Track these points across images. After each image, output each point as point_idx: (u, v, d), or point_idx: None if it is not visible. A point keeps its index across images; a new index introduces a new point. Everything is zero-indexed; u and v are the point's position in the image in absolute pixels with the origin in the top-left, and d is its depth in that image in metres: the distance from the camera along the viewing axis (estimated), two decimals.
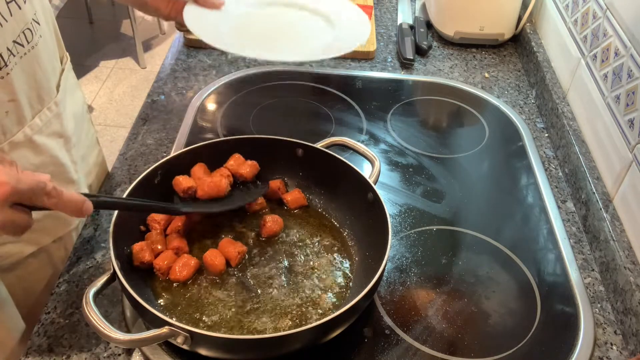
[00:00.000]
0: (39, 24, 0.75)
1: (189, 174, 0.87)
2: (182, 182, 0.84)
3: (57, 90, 0.82)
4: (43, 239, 0.83)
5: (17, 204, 0.58)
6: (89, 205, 0.64)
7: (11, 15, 0.69)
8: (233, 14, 0.96)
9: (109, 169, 1.03)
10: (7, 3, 0.68)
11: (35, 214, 0.79)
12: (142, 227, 0.82)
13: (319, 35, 0.95)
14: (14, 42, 0.70)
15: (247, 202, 0.87)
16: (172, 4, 0.93)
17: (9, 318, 0.80)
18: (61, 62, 0.86)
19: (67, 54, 0.89)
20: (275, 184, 0.90)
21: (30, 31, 0.73)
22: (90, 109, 2.89)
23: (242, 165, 0.88)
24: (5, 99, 0.71)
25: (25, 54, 0.72)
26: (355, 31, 0.95)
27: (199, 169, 0.86)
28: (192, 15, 0.91)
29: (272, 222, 0.85)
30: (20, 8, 0.70)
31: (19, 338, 0.81)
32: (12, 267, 0.80)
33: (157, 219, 0.82)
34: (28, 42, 0.72)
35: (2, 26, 0.67)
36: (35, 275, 0.85)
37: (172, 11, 0.93)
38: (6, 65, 0.69)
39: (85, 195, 0.65)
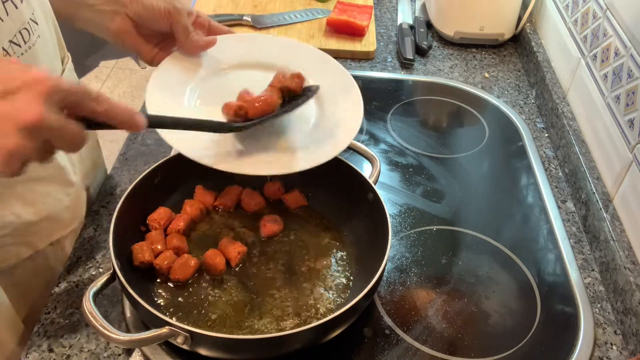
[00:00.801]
0: (37, 23, 0.74)
1: (189, 174, 0.87)
2: (230, 103, 0.74)
3: None
4: (40, 242, 0.83)
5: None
6: (140, 117, 0.60)
7: (7, 14, 0.68)
8: (209, 84, 0.83)
9: (109, 169, 1.03)
10: (3, 2, 0.67)
11: (30, 216, 0.79)
12: (142, 227, 0.82)
13: (301, 130, 0.81)
14: (10, 42, 0.69)
15: (300, 105, 0.77)
16: (155, 52, 0.85)
17: (7, 320, 0.80)
18: (62, 63, 0.85)
19: (69, 54, 0.89)
20: (274, 185, 0.90)
21: (28, 31, 0.72)
22: None
23: (288, 79, 0.77)
24: None
25: (22, 54, 0.71)
26: (346, 126, 0.81)
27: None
28: (156, 88, 0.80)
29: (272, 222, 0.85)
30: (16, 7, 0.70)
31: (18, 339, 0.81)
32: (9, 270, 0.80)
33: (157, 219, 0.82)
34: (25, 42, 0.72)
35: None
36: (32, 278, 0.85)
37: (156, 59, 0.85)
38: None
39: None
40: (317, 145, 0.79)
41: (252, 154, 0.77)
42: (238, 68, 0.87)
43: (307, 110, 0.82)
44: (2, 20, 0.67)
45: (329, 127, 0.81)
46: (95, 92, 0.56)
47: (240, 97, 0.76)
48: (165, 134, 0.74)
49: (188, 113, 0.76)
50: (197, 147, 0.75)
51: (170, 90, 0.81)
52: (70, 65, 0.88)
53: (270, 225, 0.84)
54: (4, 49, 0.68)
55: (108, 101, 0.57)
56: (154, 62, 0.86)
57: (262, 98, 0.75)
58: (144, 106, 1.14)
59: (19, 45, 0.71)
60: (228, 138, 0.77)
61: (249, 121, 0.74)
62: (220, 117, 0.75)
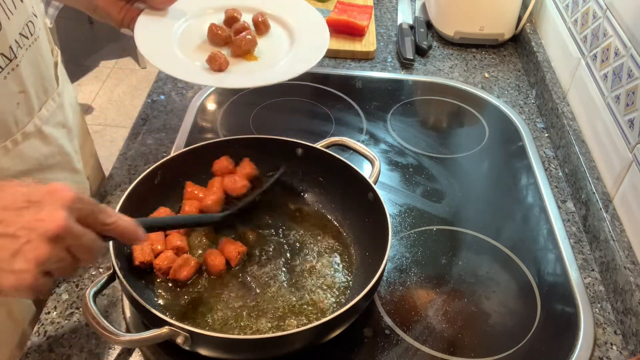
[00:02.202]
0: (36, 17, 0.78)
1: (188, 174, 0.87)
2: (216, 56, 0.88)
3: (57, 82, 0.84)
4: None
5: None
6: (142, 231, 0.62)
7: (15, 8, 0.71)
8: (183, 28, 0.95)
9: (109, 169, 1.03)
10: None
11: None
12: None
13: (277, 51, 0.95)
14: (21, 34, 0.72)
15: (263, 190, 0.87)
16: (125, 11, 0.91)
17: (24, 302, 0.81)
18: (52, 55, 0.87)
19: (56, 47, 0.91)
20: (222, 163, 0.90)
21: (32, 24, 0.75)
22: (90, 109, 2.89)
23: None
24: (16, 90, 0.73)
25: (29, 46, 0.75)
26: (315, 43, 0.95)
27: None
28: (142, 33, 0.90)
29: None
30: (22, 1, 0.73)
31: (30, 321, 0.82)
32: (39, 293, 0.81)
33: None
34: (31, 35, 0.75)
35: (9, 19, 0.69)
36: None
37: (126, 18, 0.91)
38: (15, 57, 0.71)
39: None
40: (294, 62, 0.91)
41: (236, 75, 0.89)
42: (201, 14, 0.99)
43: (279, 40, 0.97)
44: (12, 14, 0.70)
45: (301, 50, 0.94)
46: (105, 207, 0.58)
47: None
48: (159, 64, 0.86)
49: (175, 55, 0.90)
50: (190, 72, 0.88)
51: (156, 38, 0.91)
52: (59, 57, 0.91)
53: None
54: (16, 42, 0.71)
55: (116, 214, 0.59)
56: (123, 22, 0.91)
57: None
58: (144, 105, 1.14)
59: (27, 38, 0.74)
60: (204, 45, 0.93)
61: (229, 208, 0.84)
62: (200, 56, 0.90)
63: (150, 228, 0.69)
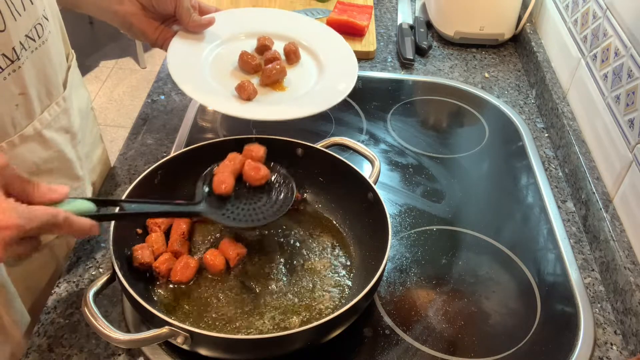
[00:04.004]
0: (47, 19, 0.77)
1: (188, 174, 0.87)
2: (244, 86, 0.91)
3: (65, 87, 0.83)
4: (46, 235, 0.84)
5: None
6: (95, 227, 0.65)
7: (24, 9, 0.70)
8: (215, 52, 0.98)
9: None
10: None
11: None
12: (138, 230, 0.82)
13: (306, 83, 0.96)
14: (27, 36, 0.72)
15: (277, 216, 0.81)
16: (160, 31, 0.93)
17: (16, 312, 0.80)
18: (67, 59, 0.87)
19: (73, 51, 0.90)
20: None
21: (41, 26, 0.75)
22: None
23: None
24: (16, 92, 0.72)
25: (36, 48, 0.74)
26: (343, 77, 0.96)
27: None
28: (175, 56, 0.92)
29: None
30: (32, 3, 0.72)
31: (24, 332, 0.81)
32: (17, 262, 0.81)
33: (157, 222, 0.82)
34: (39, 37, 0.74)
35: (16, 20, 0.69)
36: (38, 271, 0.86)
37: (160, 38, 0.94)
38: (18, 58, 0.70)
39: (95, 201, 0.67)
40: (321, 96, 0.93)
41: (264, 105, 0.90)
42: (235, 39, 1.01)
43: (308, 71, 0.98)
44: (20, 15, 0.70)
45: (329, 83, 0.95)
46: (61, 218, 0.60)
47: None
48: (189, 91, 0.88)
49: (205, 80, 0.92)
50: (218, 101, 0.89)
51: (188, 62, 0.93)
52: (74, 62, 0.90)
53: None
54: (21, 43, 0.70)
55: (70, 226, 0.62)
56: (157, 42, 0.94)
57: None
58: (144, 105, 1.14)
59: (34, 40, 0.74)
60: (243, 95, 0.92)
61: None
62: (229, 83, 0.92)
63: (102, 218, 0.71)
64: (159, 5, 0.90)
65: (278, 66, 0.94)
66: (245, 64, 0.96)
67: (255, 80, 0.94)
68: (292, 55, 0.98)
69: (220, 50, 0.99)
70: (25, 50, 0.71)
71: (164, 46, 0.94)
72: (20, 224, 0.56)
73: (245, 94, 0.90)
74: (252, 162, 0.83)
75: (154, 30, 0.92)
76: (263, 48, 0.99)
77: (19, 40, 0.70)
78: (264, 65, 0.95)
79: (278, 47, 1.00)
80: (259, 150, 0.84)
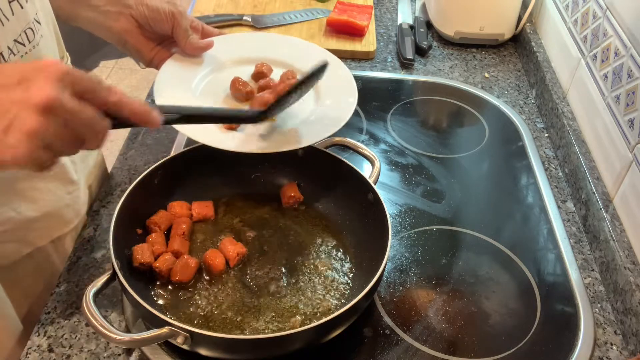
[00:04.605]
0: (40, 23, 0.75)
1: (188, 174, 0.87)
2: (260, 98, 0.86)
3: None
4: (40, 239, 0.83)
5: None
6: (156, 112, 0.61)
7: (13, 14, 0.69)
8: (210, 78, 0.92)
9: (109, 168, 1.03)
10: (10, 2, 0.68)
11: (31, 212, 0.79)
12: (138, 230, 0.82)
13: (299, 113, 0.88)
14: (15, 41, 0.70)
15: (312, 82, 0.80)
16: (156, 52, 0.90)
17: (6, 319, 0.80)
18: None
19: (67, 54, 0.89)
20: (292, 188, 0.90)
21: (32, 30, 0.73)
22: None
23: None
24: None
25: (26, 53, 0.72)
26: (338, 108, 0.89)
27: None
28: (164, 80, 0.87)
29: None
30: (22, 7, 0.70)
31: (17, 339, 0.81)
32: (9, 267, 0.80)
33: (157, 222, 0.82)
34: (29, 42, 0.73)
35: (3, 25, 0.67)
36: (32, 276, 0.85)
37: (156, 58, 0.90)
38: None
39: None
40: (319, 124, 0.87)
41: (247, 136, 0.84)
42: (234, 64, 0.96)
43: (305, 100, 0.89)
44: (8, 20, 0.68)
45: (326, 109, 0.90)
46: (107, 83, 0.58)
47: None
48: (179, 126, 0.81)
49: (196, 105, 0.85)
50: (210, 134, 0.82)
51: (177, 86, 0.88)
52: (69, 65, 0.88)
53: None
54: (9, 48, 0.69)
55: (121, 93, 0.58)
56: (152, 62, 0.91)
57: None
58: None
59: (24, 45, 0.72)
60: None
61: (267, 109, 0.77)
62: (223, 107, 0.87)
63: (167, 113, 0.65)
64: (156, 25, 0.87)
65: (267, 95, 0.87)
66: (237, 91, 0.90)
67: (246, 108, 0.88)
68: (288, 84, 0.89)
69: (215, 75, 0.93)
70: (15, 55, 0.70)
71: (159, 67, 0.90)
72: (66, 65, 0.53)
73: (228, 124, 0.84)
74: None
75: (150, 50, 0.90)
76: (259, 75, 0.94)
77: (7, 45, 0.68)
78: (256, 93, 0.89)
79: (277, 73, 0.94)
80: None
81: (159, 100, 0.84)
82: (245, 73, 0.94)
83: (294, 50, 1.00)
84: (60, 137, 0.54)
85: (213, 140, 0.81)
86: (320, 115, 0.88)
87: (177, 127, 0.83)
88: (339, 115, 0.87)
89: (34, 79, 0.52)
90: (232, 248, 0.80)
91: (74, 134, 0.55)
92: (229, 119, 0.80)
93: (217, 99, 0.90)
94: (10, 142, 0.51)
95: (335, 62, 0.95)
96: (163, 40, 0.91)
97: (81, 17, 0.87)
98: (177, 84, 0.88)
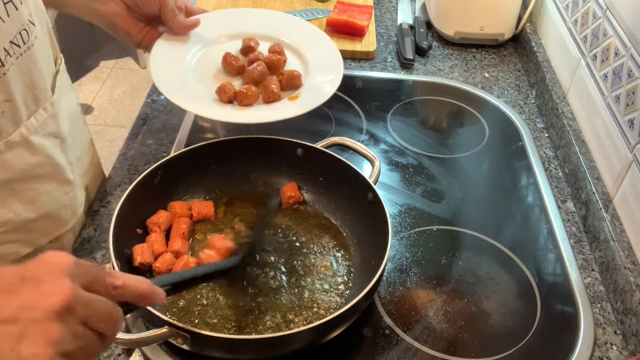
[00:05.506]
0: (34, 24, 0.75)
1: (188, 174, 0.87)
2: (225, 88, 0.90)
3: (53, 91, 0.81)
4: (39, 239, 0.83)
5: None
6: (159, 289, 0.56)
7: (8, 15, 0.69)
8: (201, 54, 0.97)
9: (109, 169, 1.03)
10: (5, 4, 0.68)
11: (29, 214, 0.79)
12: (138, 230, 0.82)
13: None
14: (11, 42, 0.70)
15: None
16: (145, 32, 0.92)
17: None
18: (55, 64, 0.85)
19: (61, 55, 0.89)
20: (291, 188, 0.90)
21: (27, 32, 0.73)
22: (90, 109, 2.89)
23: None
24: (1, 99, 0.70)
25: (21, 54, 0.72)
26: (326, 80, 0.96)
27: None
28: (158, 59, 0.91)
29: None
30: (17, 9, 0.70)
31: None
32: None
33: (157, 222, 0.82)
34: (24, 43, 0.72)
35: None
36: None
37: (145, 39, 0.92)
38: (3, 65, 0.69)
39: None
40: (307, 96, 0.92)
41: (244, 108, 0.89)
42: (221, 40, 1.01)
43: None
44: (4, 21, 0.68)
45: (313, 84, 0.95)
46: (107, 268, 0.55)
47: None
48: (172, 96, 0.87)
49: (190, 84, 0.92)
50: (199, 104, 0.89)
51: (171, 65, 0.92)
52: (63, 66, 0.88)
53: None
54: (5, 50, 0.69)
55: (123, 275, 0.53)
56: (142, 43, 0.93)
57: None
58: (144, 105, 1.14)
59: (19, 46, 0.71)
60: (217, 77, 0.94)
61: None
62: (212, 85, 0.92)
63: (165, 285, 0.64)
64: (144, 6, 0.89)
65: (260, 67, 0.93)
66: (228, 66, 0.95)
67: (238, 82, 0.93)
68: (276, 56, 0.97)
69: (205, 52, 0.98)
70: (10, 56, 0.70)
71: (149, 48, 0.93)
72: (72, 257, 0.48)
73: (225, 96, 0.89)
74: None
75: (139, 31, 0.91)
76: (247, 49, 0.98)
77: (3, 46, 0.68)
78: (247, 67, 0.95)
79: (264, 47, 0.99)
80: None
81: (156, 76, 0.89)
82: (234, 48, 0.99)
83: (277, 23, 1.06)
84: (81, 339, 0.46)
85: (213, 113, 0.87)
86: (308, 87, 0.95)
87: (177, 102, 0.87)
88: (327, 88, 0.93)
89: (41, 276, 0.46)
90: (221, 244, 0.80)
91: (95, 332, 0.48)
92: (216, 273, 0.77)
93: (209, 74, 0.95)
94: (27, 353, 0.43)
95: (322, 36, 1.05)
96: (151, 21, 0.93)
97: (69, 2, 0.88)
98: (172, 63, 0.92)
